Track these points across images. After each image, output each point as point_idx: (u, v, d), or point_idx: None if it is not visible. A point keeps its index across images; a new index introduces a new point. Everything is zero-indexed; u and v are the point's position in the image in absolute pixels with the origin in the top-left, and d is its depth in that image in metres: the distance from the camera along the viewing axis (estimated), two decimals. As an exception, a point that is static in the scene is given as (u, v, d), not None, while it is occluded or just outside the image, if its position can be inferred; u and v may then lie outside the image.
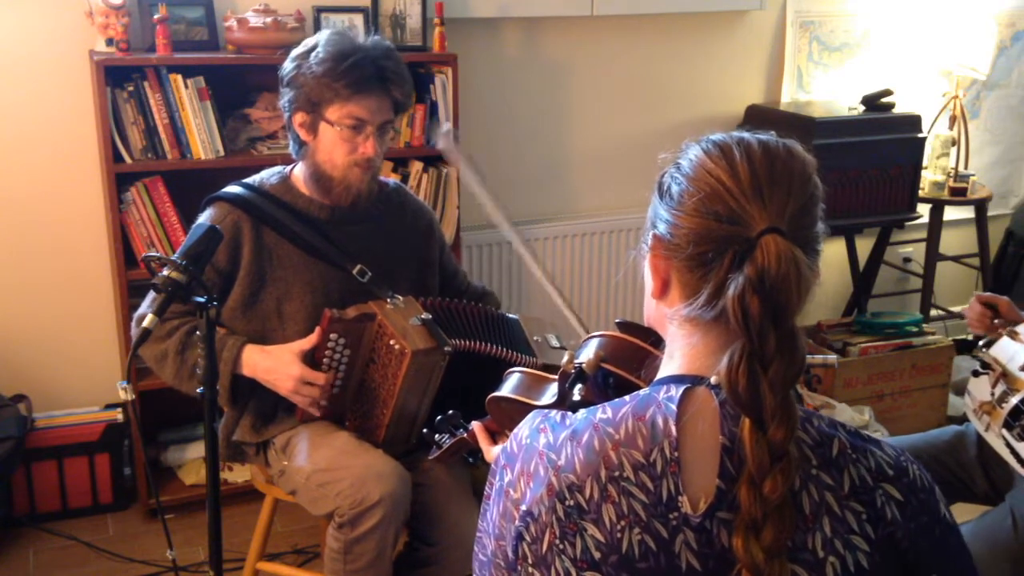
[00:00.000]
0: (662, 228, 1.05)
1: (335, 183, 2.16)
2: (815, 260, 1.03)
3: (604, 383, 1.30)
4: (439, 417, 1.69)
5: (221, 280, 2.15)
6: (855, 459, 1.01)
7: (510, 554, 1.05)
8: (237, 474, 3.14)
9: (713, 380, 1.01)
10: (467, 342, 2.14)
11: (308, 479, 2.10)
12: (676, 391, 1.03)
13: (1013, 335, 2.19)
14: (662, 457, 1.00)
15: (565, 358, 1.33)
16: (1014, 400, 2.08)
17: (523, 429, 1.10)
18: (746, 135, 1.06)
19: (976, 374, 2.23)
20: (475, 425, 1.56)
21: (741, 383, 0.95)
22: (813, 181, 1.04)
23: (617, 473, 1.00)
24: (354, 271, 2.18)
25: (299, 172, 2.24)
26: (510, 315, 2.31)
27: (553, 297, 1.86)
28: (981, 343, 2.27)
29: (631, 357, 1.30)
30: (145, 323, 1.76)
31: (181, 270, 1.75)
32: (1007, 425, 2.07)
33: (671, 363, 1.08)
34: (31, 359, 3.11)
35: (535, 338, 2.22)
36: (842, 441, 1.02)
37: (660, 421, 1.01)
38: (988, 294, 2.29)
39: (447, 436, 1.69)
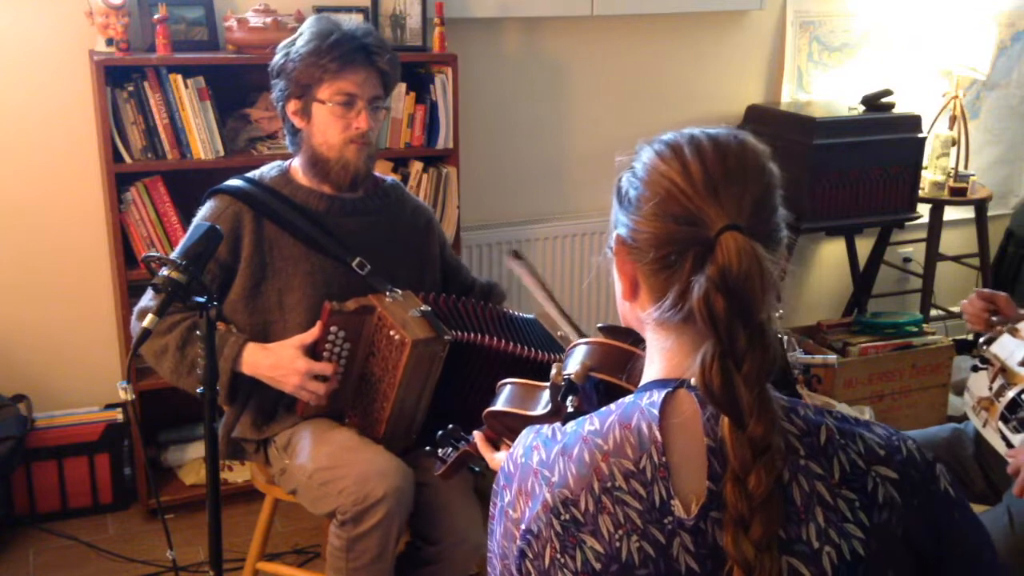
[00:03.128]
0: (624, 231, 1.06)
1: (332, 163, 2.18)
2: (777, 251, 1.04)
3: (594, 390, 1.30)
4: (439, 432, 1.70)
5: (222, 273, 2.16)
6: (844, 444, 1.01)
7: (514, 572, 1.06)
8: (237, 474, 3.14)
9: (692, 382, 1.02)
10: (467, 334, 2.14)
11: (310, 477, 2.10)
12: (658, 396, 1.03)
13: (1013, 331, 2.19)
14: (651, 463, 1.00)
15: (553, 370, 1.34)
16: (1011, 393, 2.08)
17: (518, 448, 1.11)
18: (696, 131, 1.07)
19: (975, 369, 2.23)
20: (476, 435, 1.58)
21: (715, 383, 0.95)
22: (768, 170, 1.05)
23: (609, 484, 1.01)
24: (353, 264, 2.19)
25: (297, 164, 2.26)
26: (526, 315, 2.29)
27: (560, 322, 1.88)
28: (982, 340, 2.27)
29: (617, 361, 1.31)
30: (145, 323, 1.76)
31: (181, 270, 1.76)
32: (1003, 418, 2.07)
33: (651, 367, 1.09)
34: (31, 359, 3.11)
35: (558, 333, 2.21)
36: (829, 428, 1.02)
37: (645, 428, 1.02)
38: (988, 290, 2.29)
39: (451, 449, 1.69)
